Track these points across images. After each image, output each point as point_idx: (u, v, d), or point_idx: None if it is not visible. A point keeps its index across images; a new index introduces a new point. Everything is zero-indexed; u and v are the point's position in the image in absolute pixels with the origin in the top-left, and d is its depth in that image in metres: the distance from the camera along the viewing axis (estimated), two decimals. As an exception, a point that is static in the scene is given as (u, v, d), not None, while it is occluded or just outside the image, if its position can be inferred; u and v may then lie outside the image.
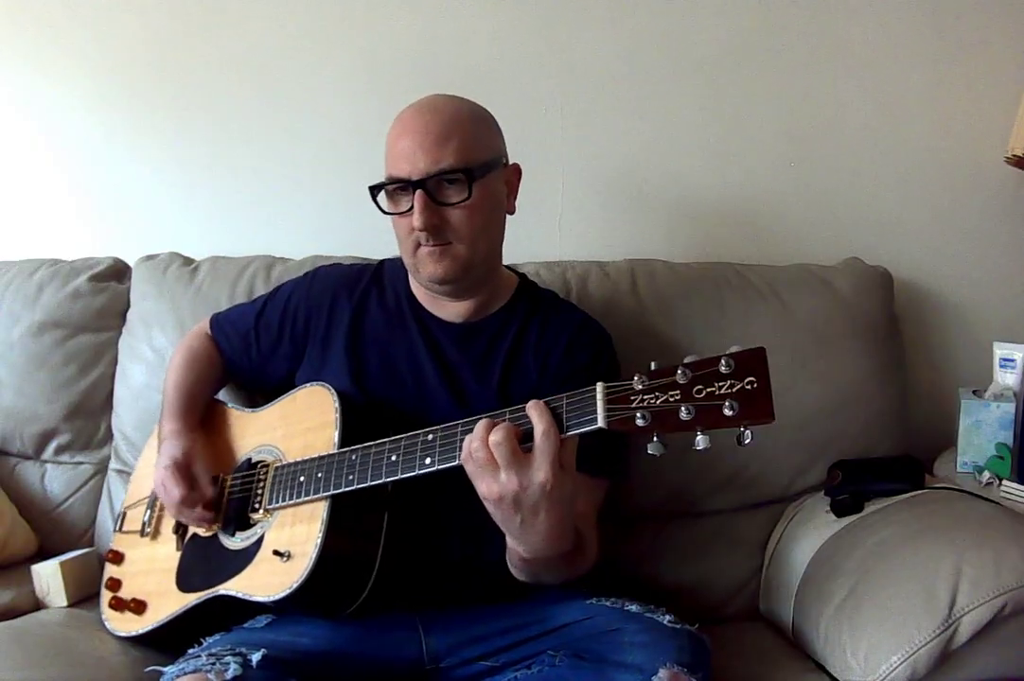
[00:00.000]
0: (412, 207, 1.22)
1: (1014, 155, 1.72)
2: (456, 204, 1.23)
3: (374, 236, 1.44)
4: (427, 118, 1.24)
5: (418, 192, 1.21)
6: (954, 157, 1.86)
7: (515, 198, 1.34)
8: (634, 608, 1.19)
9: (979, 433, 1.64)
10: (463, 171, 1.22)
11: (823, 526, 1.46)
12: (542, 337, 1.34)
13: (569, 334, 1.35)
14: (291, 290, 1.45)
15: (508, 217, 1.34)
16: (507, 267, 1.44)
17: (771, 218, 1.89)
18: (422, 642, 1.22)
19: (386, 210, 1.27)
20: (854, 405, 1.63)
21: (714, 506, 1.62)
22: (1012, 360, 1.68)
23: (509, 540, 1.04)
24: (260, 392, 1.53)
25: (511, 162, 1.33)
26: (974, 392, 1.70)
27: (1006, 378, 1.68)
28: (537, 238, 1.86)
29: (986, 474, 1.56)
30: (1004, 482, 1.51)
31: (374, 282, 1.41)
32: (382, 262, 1.47)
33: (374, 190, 1.26)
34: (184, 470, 1.31)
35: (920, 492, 1.48)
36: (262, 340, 1.43)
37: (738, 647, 1.37)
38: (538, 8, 1.84)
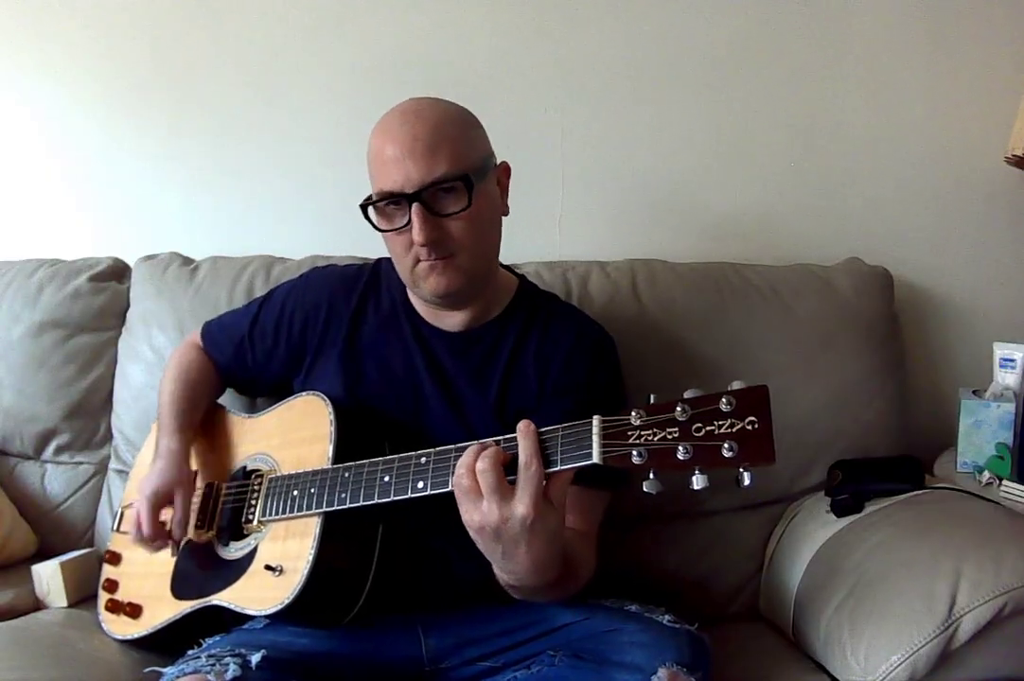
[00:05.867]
0: (408, 222, 1.15)
1: (1014, 155, 1.72)
2: (456, 214, 1.16)
3: (374, 236, 1.42)
4: (413, 124, 1.16)
5: (415, 205, 1.14)
6: (954, 157, 1.86)
7: (507, 197, 1.29)
8: (634, 608, 1.19)
9: (979, 433, 1.64)
10: (461, 178, 1.15)
11: (823, 526, 1.46)
12: (542, 345, 1.30)
13: (569, 342, 1.31)
14: (286, 294, 1.41)
15: (504, 218, 1.29)
16: (507, 268, 1.40)
17: (771, 218, 1.89)
18: (422, 643, 1.22)
19: (380, 227, 1.20)
20: (854, 405, 1.63)
21: (714, 506, 1.62)
22: (1012, 360, 1.68)
23: (494, 566, 1.03)
24: (256, 396, 1.54)
25: (499, 161, 1.27)
26: (974, 392, 1.70)
27: (1006, 378, 1.68)
28: (537, 238, 1.86)
29: (986, 474, 1.56)
30: (1004, 482, 1.51)
31: (371, 285, 1.38)
32: (378, 262, 1.43)
33: (364, 208, 1.20)
34: (159, 507, 1.28)
35: (920, 492, 1.48)
36: (257, 346, 1.40)
37: (738, 647, 1.37)
38: (539, 8, 1.84)
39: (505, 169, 1.28)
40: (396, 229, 1.18)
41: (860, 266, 1.76)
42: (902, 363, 1.73)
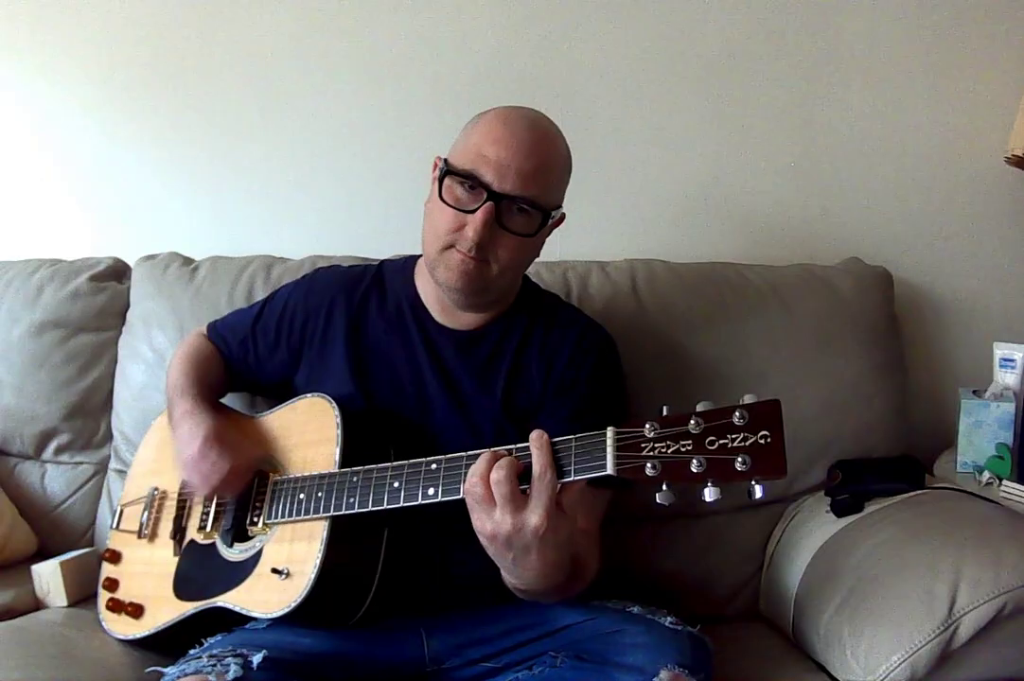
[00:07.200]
0: (471, 211, 1.17)
1: (1014, 155, 1.73)
2: (514, 234, 1.19)
3: (374, 236, 1.43)
4: (537, 141, 1.20)
5: (488, 205, 1.16)
6: (954, 157, 1.86)
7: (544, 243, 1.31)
8: (636, 610, 1.19)
9: (979, 433, 1.64)
10: (542, 210, 1.20)
11: (823, 526, 1.47)
12: (545, 344, 1.31)
13: (572, 341, 1.32)
14: (288, 294, 1.42)
15: None
16: None
17: (771, 218, 1.89)
18: (424, 643, 1.22)
19: (444, 197, 1.20)
20: (854, 405, 1.63)
21: (714, 507, 1.59)
22: (1012, 360, 1.68)
23: (502, 571, 1.04)
24: (256, 393, 1.53)
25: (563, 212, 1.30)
26: (974, 392, 1.70)
27: (1006, 378, 1.68)
28: (537, 238, 1.85)
29: (986, 474, 1.56)
30: (1004, 482, 1.51)
31: (375, 285, 1.38)
32: (382, 263, 1.43)
33: (445, 173, 1.19)
34: (222, 441, 1.24)
35: (920, 492, 1.48)
36: (259, 344, 1.41)
37: (739, 647, 1.37)
38: (539, 8, 1.84)
39: (561, 219, 1.31)
40: (453, 206, 1.19)
41: (860, 266, 1.76)
42: (902, 363, 1.73)
